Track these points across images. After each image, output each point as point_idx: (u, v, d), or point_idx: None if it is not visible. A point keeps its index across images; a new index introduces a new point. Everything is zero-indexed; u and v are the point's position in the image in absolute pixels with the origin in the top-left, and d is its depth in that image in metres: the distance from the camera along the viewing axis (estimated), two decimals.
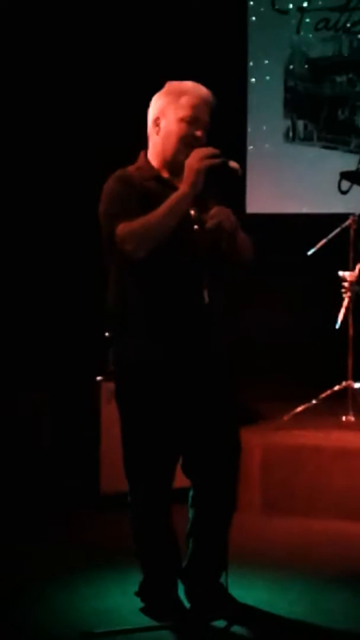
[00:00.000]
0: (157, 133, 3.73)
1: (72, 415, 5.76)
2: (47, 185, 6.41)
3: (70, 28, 6.43)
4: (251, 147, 7.09)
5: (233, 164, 3.63)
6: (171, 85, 3.76)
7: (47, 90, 6.40)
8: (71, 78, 6.45)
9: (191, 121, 3.69)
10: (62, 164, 6.42)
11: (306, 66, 7.13)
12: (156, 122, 3.74)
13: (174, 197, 3.60)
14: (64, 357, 6.21)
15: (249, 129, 7.09)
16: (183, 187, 3.60)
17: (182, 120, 3.69)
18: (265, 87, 7.16)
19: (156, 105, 3.75)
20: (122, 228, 3.58)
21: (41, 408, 5.81)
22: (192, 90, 3.72)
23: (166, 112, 3.71)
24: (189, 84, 3.75)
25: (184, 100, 3.69)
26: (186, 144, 3.68)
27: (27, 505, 5.36)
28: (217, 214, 3.68)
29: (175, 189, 3.64)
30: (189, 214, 3.69)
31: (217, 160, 3.61)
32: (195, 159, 3.60)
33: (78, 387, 5.71)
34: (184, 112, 3.69)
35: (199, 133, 3.70)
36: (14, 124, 6.30)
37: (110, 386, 4.71)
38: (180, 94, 3.71)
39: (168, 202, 3.59)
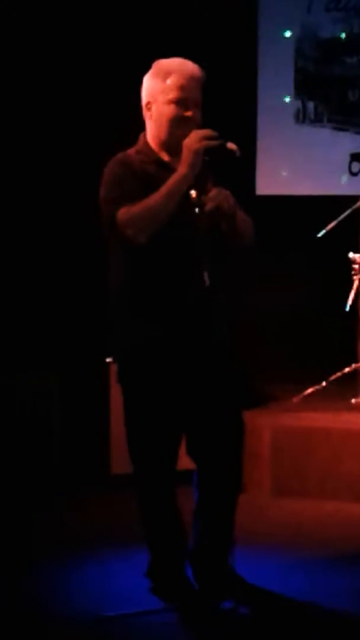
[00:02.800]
0: (150, 117, 3.72)
1: (82, 396, 5.77)
2: (50, 169, 6.39)
3: (68, 17, 6.40)
4: (261, 128, 7.06)
5: (231, 145, 3.61)
6: (158, 65, 3.72)
7: (45, 76, 6.38)
8: (70, 64, 6.42)
9: (180, 102, 3.66)
10: (65, 146, 6.40)
11: (317, 47, 7.08)
12: (148, 106, 3.72)
13: (172, 179, 3.59)
14: (73, 339, 6.21)
15: (259, 111, 7.06)
16: (181, 168, 3.59)
17: (170, 102, 3.66)
18: (275, 68, 7.11)
19: (146, 88, 3.73)
20: (123, 213, 3.57)
21: (51, 389, 5.82)
22: (178, 69, 3.68)
23: (156, 95, 3.68)
24: (175, 63, 3.70)
25: (171, 81, 3.66)
26: (178, 125, 3.66)
27: (37, 487, 5.38)
28: (216, 195, 3.66)
29: (175, 171, 3.63)
30: (189, 196, 3.67)
31: (214, 142, 3.59)
32: (193, 140, 3.58)
33: (88, 369, 5.72)
34: (172, 94, 3.65)
35: (189, 113, 3.67)
36: (13, 110, 6.28)
37: None
38: (166, 74, 3.67)
39: (167, 184, 3.58)
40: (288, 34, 6.98)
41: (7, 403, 5.74)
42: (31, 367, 5.97)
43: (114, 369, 5.32)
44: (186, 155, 3.58)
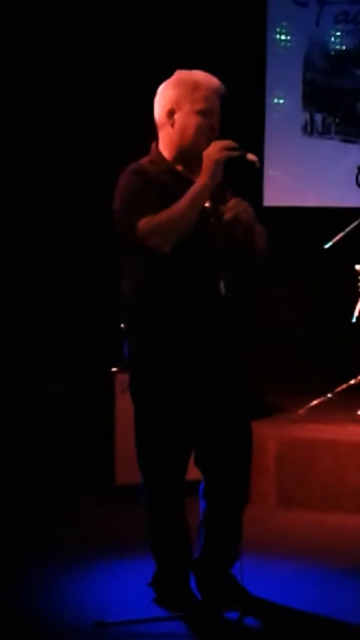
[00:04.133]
0: (172, 125, 3.72)
1: (87, 406, 5.77)
2: (61, 177, 6.41)
3: (72, 23, 6.42)
4: (269, 140, 7.07)
5: (251, 156, 3.64)
6: (182, 76, 3.74)
7: (51, 84, 6.40)
8: (76, 72, 6.44)
9: (207, 113, 3.69)
10: (75, 152, 6.42)
11: (325, 59, 7.10)
12: (169, 114, 3.72)
13: (194, 189, 3.60)
14: (79, 349, 6.21)
15: (267, 122, 7.07)
16: (202, 178, 3.61)
17: (199, 112, 3.68)
18: (283, 79, 7.13)
19: (168, 96, 3.72)
20: (145, 223, 3.57)
21: (57, 399, 5.82)
22: (205, 81, 3.71)
23: (181, 104, 3.69)
24: (200, 75, 3.73)
25: (199, 92, 3.68)
26: (204, 136, 3.68)
27: (41, 495, 5.38)
28: (235, 206, 3.68)
29: (189, 181, 3.65)
30: (207, 206, 3.68)
31: (235, 153, 3.61)
32: (214, 151, 3.60)
33: (93, 378, 5.72)
34: (200, 105, 3.68)
35: (215, 125, 3.70)
36: (19, 117, 6.30)
37: (124, 377, 4.71)
38: (194, 85, 3.69)
39: (188, 194, 3.59)
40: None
41: (13, 411, 5.75)
42: (38, 376, 5.98)
43: (119, 378, 5.38)
44: (207, 165, 3.60)
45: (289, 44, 7.13)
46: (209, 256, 3.68)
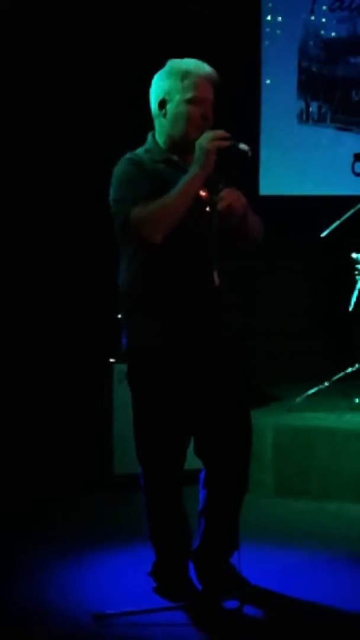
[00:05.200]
0: (164, 116, 3.72)
1: (85, 396, 5.77)
2: (59, 166, 6.39)
3: (70, 17, 6.41)
4: (264, 128, 7.05)
5: (243, 146, 3.63)
6: (173, 65, 3.73)
7: (48, 76, 6.38)
8: (73, 64, 6.42)
9: (198, 102, 3.68)
10: (73, 140, 6.41)
11: (320, 47, 7.08)
12: (161, 104, 3.72)
13: (186, 178, 3.60)
14: (77, 339, 6.21)
15: (262, 110, 7.05)
16: (194, 167, 3.61)
17: (189, 101, 3.68)
18: (278, 68, 7.11)
19: (160, 86, 3.73)
20: (137, 212, 3.58)
21: (54, 389, 5.82)
22: (195, 69, 3.70)
23: (171, 93, 3.69)
24: (191, 63, 3.72)
25: (189, 80, 3.67)
26: (195, 125, 3.68)
27: (40, 486, 5.38)
28: (228, 195, 3.67)
29: (185, 170, 3.65)
30: (200, 196, 3.68)
31: (226, 143, 3.61)
32: (206, 140, 3.60)
33: (91, 369, 5.72)
34: (190, 94, 3.67)
35: (207, 113, 3.69)
36: (16, 107, 6.28)
37: (122, 368, 4.71)
38: (184, 74, 3.68)
39: (181, 183, 3.59)
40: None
41: (11, 402, 5.75)
42: (35, 366, 5.98)
43: (117, 369, 5.38)
44: (199, 154, 3.60)
45: (283, 32, 7.11)
46: (203, 246, 3.68)
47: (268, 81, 7.10)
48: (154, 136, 3.78)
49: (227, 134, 3.62)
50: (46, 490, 5.35)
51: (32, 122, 6.32)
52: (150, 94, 3.77)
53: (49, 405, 5.79)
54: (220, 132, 3.63)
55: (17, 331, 6.19)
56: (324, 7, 7.05)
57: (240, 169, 3.73)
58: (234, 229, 3.72)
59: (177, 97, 3.68)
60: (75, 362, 5.99)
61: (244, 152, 3.63)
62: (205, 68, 3.72)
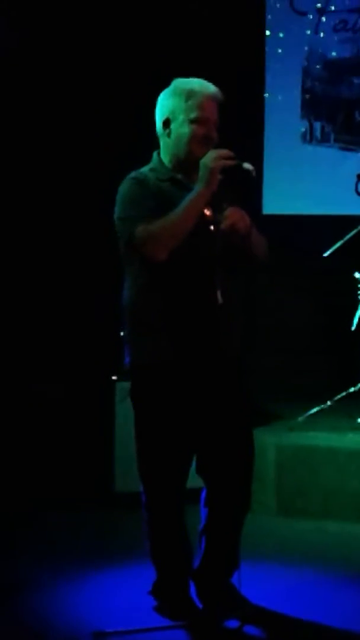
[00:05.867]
0: (168, 135, 3.73)
1: (87, 413, 5.76)
2: (64, 183, 6.41)
3: (73, 26, 6.43)
4: (268, 147, 7.07)
5: (247, 165, 3.65)
6: (178, 84, 3.75)
7: (52, 90, 6.41)
8: (77, 78, 6.44)
9: (202, 122, 3.70)
10: (78, 159, 6.43)
11: (324, 67, 7.11)
12: (166, 123, 3.73)
13: (190, 197, 3.62)
14: (80, 356, 6.21)
15: (266, 130, 7.08)
16: (198, 186, 3.62)
17: (193, 121, 3.69)
18: (282, 88, 7.14)
19: (165, 105, 3.74)
20: (141, 230, 3.59)
21: (56, 406, 5.82)
22: (200, 89, 3.71)
23: (175, 113, 3.70)
24: (195, 83, 3.74)
25: (194, 100, 3.69)
26: (199, 144, 3.69)
27: (41, 503, 5.37)
28: (232, 214, 3.68)
29: (189, 189, 3.66)
30: (204, 215, 3.69)
31: (230, 162, 3.62)
32: (210, 159, 3.62)
33: (93, 386, 5.71)
34: (194, 114, 3.69)
35: (211, 133, 3.70)
36: (20, 125, 6.31)
37: (123, 385, 4.71)
38: (188, 94, 3.70)
39: (185, 202, 3.61)
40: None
41: (12, 418, 5.74)
42: (37, 383, 5.97)
43: (119, 387, 5.38)
44: (203, 173, 3.61)
45: (288, 53, 7.14)
46: (207, 265, 3.69)
47: (272, 100, 7.13)
48: (159, 155, 3.80)
49: (231, 154, 3.64)
50: (47, 507, 5.33)
51: (34, 141, 6.34)
52: (155, 113, 3.79)
53: (51, 421, 5.78)
54: (225, 152, 3.64)
55: (20, 348, 6.19)
56: (329, 28, 7.08)
57: (244, 188, 3.74)
58: (238, 248, 3.73)
59: (181, 117, 3.70)
60: (78, 379, 5.98)
61: (248, 172, 3.65)
62: (210, 88, 3.74)
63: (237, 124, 6.44)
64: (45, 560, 4.57)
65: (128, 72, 6.40)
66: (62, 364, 6.15)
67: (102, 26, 6.50)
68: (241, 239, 3.70)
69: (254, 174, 3.65)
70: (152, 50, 6.45)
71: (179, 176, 3.75)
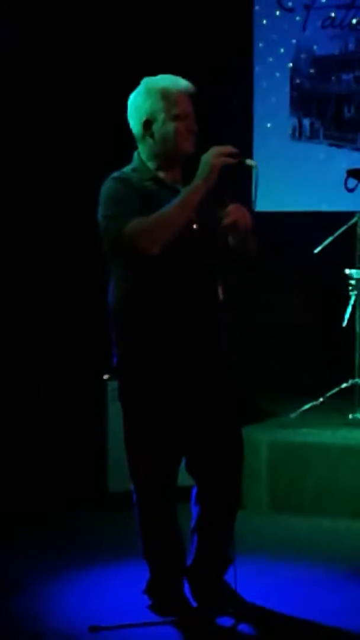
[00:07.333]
0: (152, 136, 3.72)
1: (78, 413, 5.76)
2: (55, 182, 6.41)
3: (69, 28, 6.43)
4: (257, 145, 7.08)
5: (250, 161, 3.65)
6: (149, 85, 3.73)
7: (46, 91, 6.40)
8: (70, 79, 6.44)
9: (182, 117, 3.69)
10: (71, 160, 6.43)
11: (312, 64, 7.12)
12: (146, 125, 3.71)
13: (186, 190, 3.62)
14: (71, 356, 6.21)
15: (255, 127, 7.09)
16: (196, 181, 3.62)
17: (174, 118, 3.68)
18: (271, 85, 7.15)
19: (141, 107, 3.72)
20: (133, 226, 3.57)
21: (48, 406, 5.82)
22: (173, 85, 3.70)
23: (155, 114, 3.69)
24: (167, 79, 3.72)
25: (170, 98, 3.68)
26: (185, 138, 3.70)
27: (34, 503, 5.37)
28: (234, 211, 3.68)
29: (172, 188, 3.67)
30: (195, 214, 3.69)
31: (232, 160, 3.62)
32: (212, 155, 3.62)
33: (85, 386, 5.71)
34: (175, 110, 3.68)
35: (192, 126, 3.71)
36: (13, 126, 6.30)
37: (115, 385, 4.71)
38: (163, 92, 3.68)
39: (181, 195, 3.61)
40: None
41: (5, 420, 5.74)
42: (29, 382, 5.97)
43: (111, 386, 5.37)
44: (204, 168, 3.61)
45: (276, 50, 7.14)
46: (197, 263, 3.69)
47: (260, 98, 7.13)
48: (139, 155, 3.79)
49: (234, 150, 3.64)
50: (40, 507, 5.33)
51: (36, 141, 6.33)
52: (129, 116, 3.76)
53: (43, 421, 5.78)
54: (228, 148, 3.64)
55: (11, 348, 6.18)
56: (316, 25, 7.09)
57: (244, 185, 3.74)
58: (233, 245, 3.73)
59: (162, 116, 3.69)
60: (70, 379, 5.98)
61: (251, 168, 3.65)
62: (180, 82, 3.73)
63: (226, 121, 6.46)
64: (38, 560, 4.57)
65: (111, 72, 6.38)
66: (53, 364, 6.15)
67: (98, 25, 6.50)
68: (240, 236, 3.71)
69: (257, 169, 3.65)
70: (138, 48, 6.44)
71: (161, 175, 3.75)
